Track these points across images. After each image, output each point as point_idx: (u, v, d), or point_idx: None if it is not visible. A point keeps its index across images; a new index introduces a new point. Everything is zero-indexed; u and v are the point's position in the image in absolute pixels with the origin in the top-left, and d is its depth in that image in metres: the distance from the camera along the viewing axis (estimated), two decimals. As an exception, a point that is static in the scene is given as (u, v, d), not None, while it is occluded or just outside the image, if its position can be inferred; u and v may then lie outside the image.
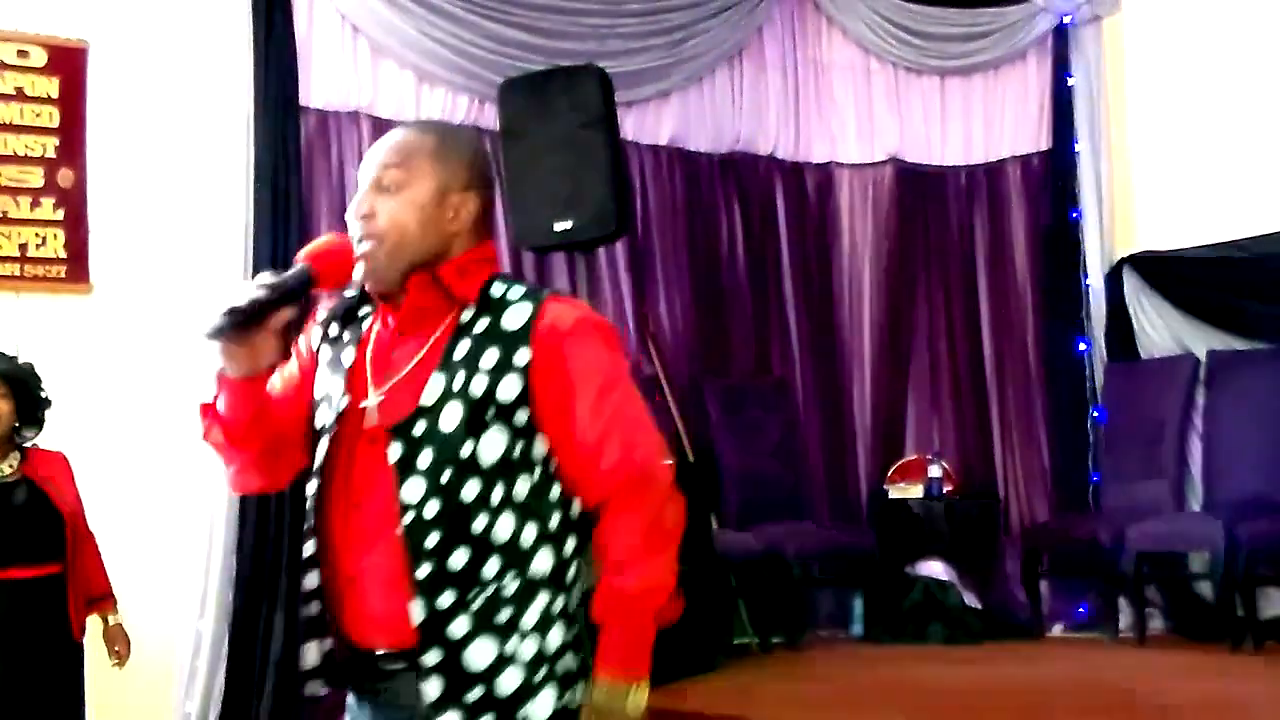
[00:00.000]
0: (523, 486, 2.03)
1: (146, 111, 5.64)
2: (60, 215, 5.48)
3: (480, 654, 1.99)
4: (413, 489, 2.01)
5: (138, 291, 5.50)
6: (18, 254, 5.40)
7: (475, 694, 1.99)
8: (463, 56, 6.47)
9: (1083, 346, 7.32)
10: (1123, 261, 7.16)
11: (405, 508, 2.01)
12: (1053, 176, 7.56)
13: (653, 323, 6.99)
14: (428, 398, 2.04)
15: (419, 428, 2.03)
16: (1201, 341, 6.84)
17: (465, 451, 2.00)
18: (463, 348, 2.06)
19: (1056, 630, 6.85)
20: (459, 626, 1.99)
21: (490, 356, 2.03)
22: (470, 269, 2.11)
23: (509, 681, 1.99)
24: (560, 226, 6.01)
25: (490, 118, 6.45)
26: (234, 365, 2.07)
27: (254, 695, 5.54)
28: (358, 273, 2.10)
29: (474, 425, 2.01)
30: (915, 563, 6.98)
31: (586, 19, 6.87)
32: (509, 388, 2.02)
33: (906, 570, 6.97)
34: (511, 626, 2.00)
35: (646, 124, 7.17)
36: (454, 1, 6.42)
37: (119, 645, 4.30)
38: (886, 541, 7.02)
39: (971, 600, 6.92)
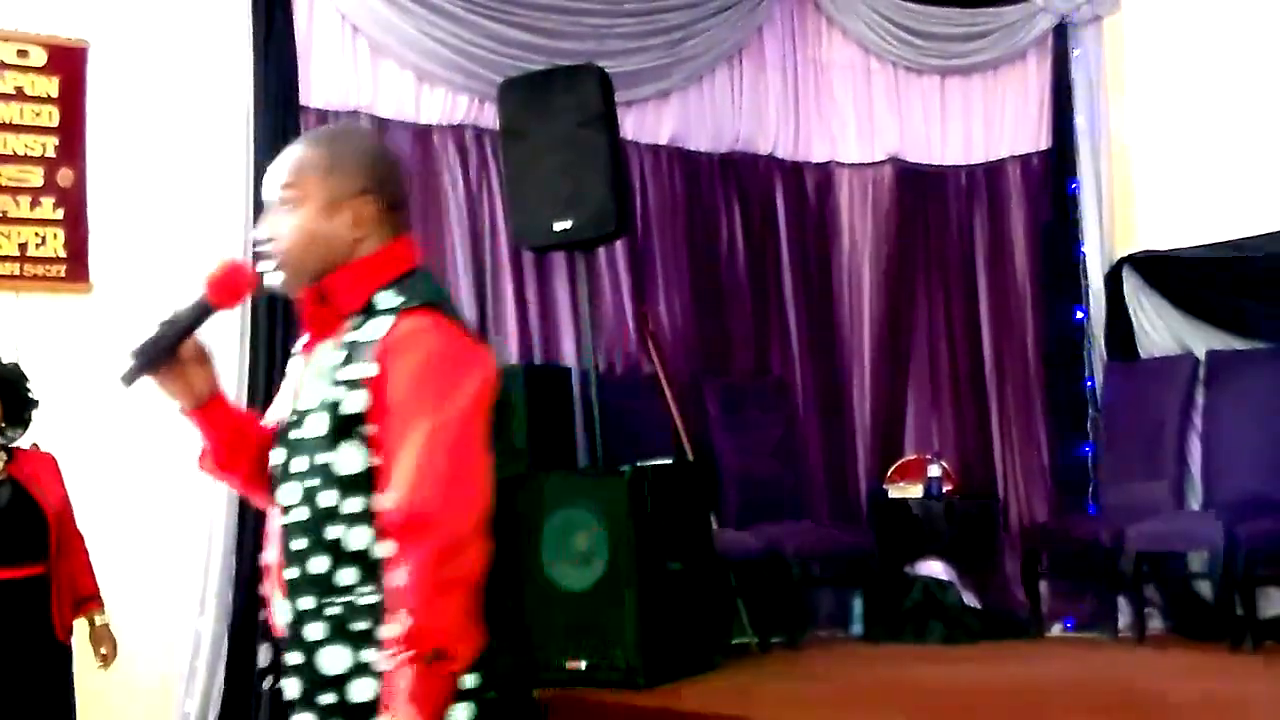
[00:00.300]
0: (380, 500, 2.01)
1: (146, 111, 5.64)
2: (60, 215, 5.48)
3: (333, 660, 2.03)
4: (287, 493, 2.10)
5: (138, 291, 5.49)
6: (17, 253, 5.40)
7: (327, 699, 2.04)
8: (462, 56, 6.47)
9: (1082, 346, 7.32)
10: (1122, 261, 7.15)
11: (283, 511, 2.11)
12: (1052, 176, 7.55)
13: (652, 321, 6.99)
14: (301, 404, 2.12)
15: (295, 434, 2.11)
16: (1201, 341, 6.83)
17: (325, 460, 2.05)
18: (336, 357, 2.10)
19: (1056, 630, 6.85)
20: (314, 630, 2.05)
21: (351, 369, 2.06)
22: (363, 275, 2.14)
23: (361, 691, 2.01)
24: (560, 226, 6.02)
25: (490, 117, 6.47)
26: (176, 400, 2.17)
27: (254, 695, 5.53)
28: (272, 289, 2.18)
29: (335, 436, 2.05)
30: (915, 562, 6.98)
31: (586, 19, 6.87)
32: (355, 401, 2.04)
33: (906, 570, 6.97)
34: (366, 637, 2.00)
35: (646, 123, 7.17)
36: (454, 1, 6.42)
37: (105, 647, 4.29)
38: (886, 541, 7.02)
39: (971, 600, 6.92)
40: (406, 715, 1.88)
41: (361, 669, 2.01)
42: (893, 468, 7.40)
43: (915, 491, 7.15)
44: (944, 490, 7.11)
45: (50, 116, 5.50)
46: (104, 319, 5.43)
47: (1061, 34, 7.52)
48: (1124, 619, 6.49)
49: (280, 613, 2.11)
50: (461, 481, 1.97)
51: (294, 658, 2.08)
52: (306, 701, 2.06)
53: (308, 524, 2.06)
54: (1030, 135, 7.68)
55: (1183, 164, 7.03)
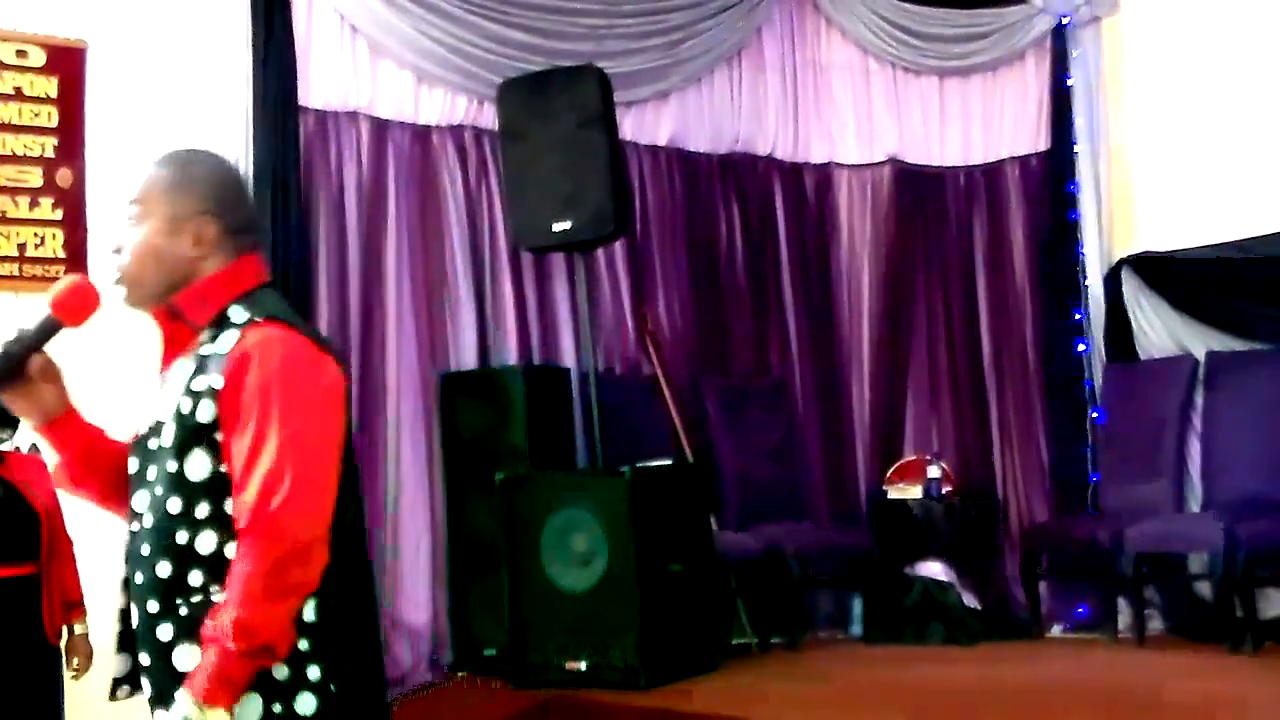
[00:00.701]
0: (229, 505, 2.11)
1: (145, 111, 5.62)
2: (59, 215, 5.48)
3: (183, 658, 2.11)
4: (139, 500, 2.20)
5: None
6: (16, 254, 5.39)
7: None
8: (461, 56, 6.47)
9: (1081, 347, 7.31)
10: (1121, 262, 7.15)
11: (133, 518, 2.21)
12: (1051, 177, 7.55)
13: (651, 322, 6.99)
14: (155, 415, 2.21)
15: (150, 443, 2.20)
16: (1200, 342, 6.83)
17: (174, 468, 2.13)
18: (187, 369, 2.19)
19: (1056, 631, 6.84)
20: (164, 631, 2.14)
21: (200, 379, 2.15)
22: (208, 293, 2.24)
23: None
24: (559, 226, 6.03)
25: (489, 117, 6.47)
26: (24, 415, 2.28)
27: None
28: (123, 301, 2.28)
29: (183, 445, 2.14)
30: (914, 563, 6.98)
31: (585, 19, 6.87)
32: (205, 411, 2.13)
33: (905, 571, 6.96)
34: None
35: (645, 124, 7.18)
36: (452, 1, 6.42)
37: (79, 657, 4.28)
38: (885, 542, 7.02)
39: (971, 601, 6.92)
40: (217, 697, 2.00)
41: None
42: (892, 469, 7.39)
43: (915, 492, 7.15)
44: (943, 491, 7.11)
45: (49, 117, 5.50)
46: (103, 320, 5.41)
47: (1060, 35, 7.52)
48: (1124, 620, 6.48)
49: (132, 617, 2.21)
50: (308, 491, 2.08)
51: (145, 659, 2.17)
52: (159, 700, 2.15)
53: (156, 529, 2.15)
54: (1029, 136, 7.68)
55: (1182, 165, 7.03)
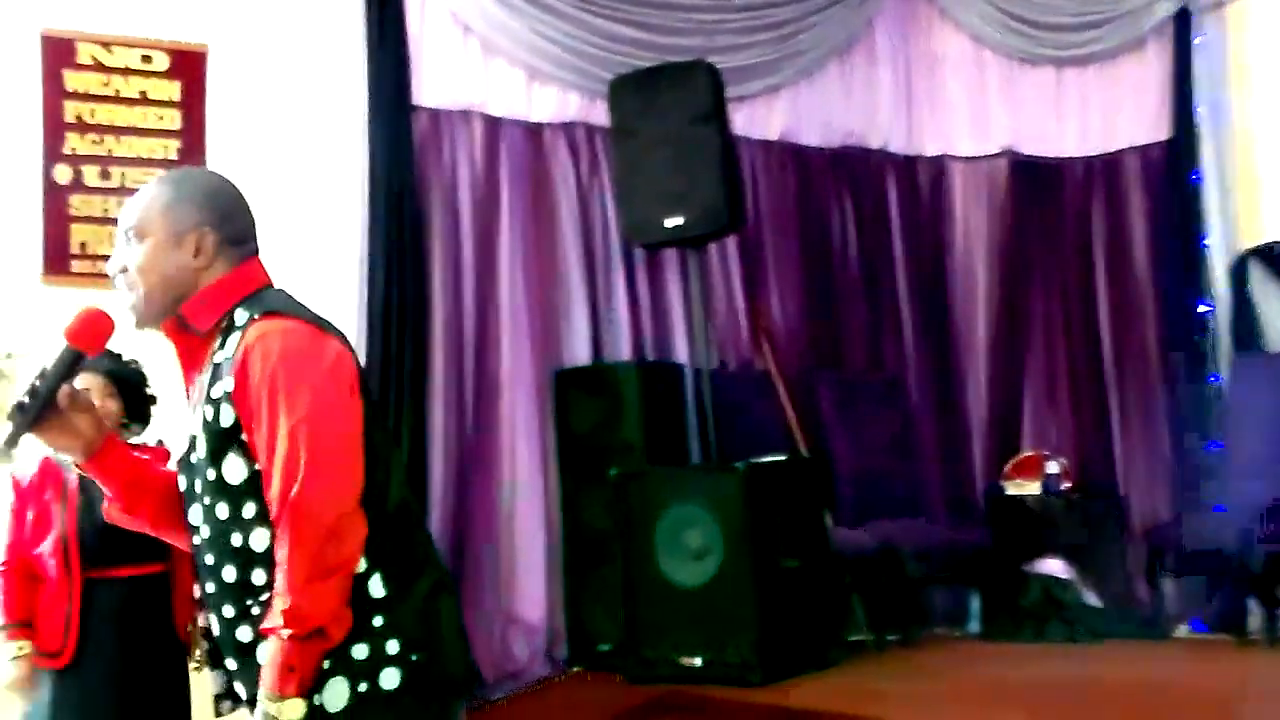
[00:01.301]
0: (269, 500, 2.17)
1: (264, 113, 5.73)
2: (182, 216, 5.58)
3: (265, 655, 2.15)
4: (194, 514, 2.28)
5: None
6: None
7: None
8: (573, 54, 6.49)
9: (1206, 340, 7.14)
10: (1247, 253, 6.97)
11: (192, 531, 2.29)
12: (1173, 167, 7.37)
13: (764, 317, 6.96)
14: (190, 429, 2.27)
15: (191, 458, 2.26)
16: (1330, 333, 6.65)
17: (213, 476, 2.21)
18: (206, 380, 2.26)
19: (1182, 631, 6.67)
20: (243, 633, 2.21)
21: (217, 386, 2.21)
22: (212, 299, 2.30)
23: None
24: (671, 222, 6.03)
25: (601, 114, 6.49)
26: (66, 451, 2.30)
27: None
28: (133, 323, 2.33)
29: (216, 452, 2.20)
30: (1033, 560, 6.87)
31: (696, 14, 6.86)
32: (226, 416, 2.19)
33: (1024, 568, 6.85)
34: None
35: (756, 119, 7.14)
36: (565, -1, 6.45)
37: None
38: (1003, 538, 6.92)
39: (1092, 599, 6.79)
40: (285, 686, 2.07)
41: None
42: (1009, 464, 7.28)
43: (1033, 488, 7.04)
44: (1062, 487, 6.99)
45: (172, 120, 5.62)
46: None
47: (1183, 21, 7.33)
48: (1253, 621, 6.32)
49: (212, 626, 2.28)
50: (325, 471, 2.13)
51: (232, 664, 2.25)
52: (252, 702, 2.19)
53: (214, 537, 2.22)
54: (1150, 125, 7.49)
55: (1310, 153, 6.85)
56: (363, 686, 2.15)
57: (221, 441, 2.19)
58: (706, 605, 5.52)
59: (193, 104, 5.65)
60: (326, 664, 2.14)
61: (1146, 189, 7.50)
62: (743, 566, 5.47)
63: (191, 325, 2.31)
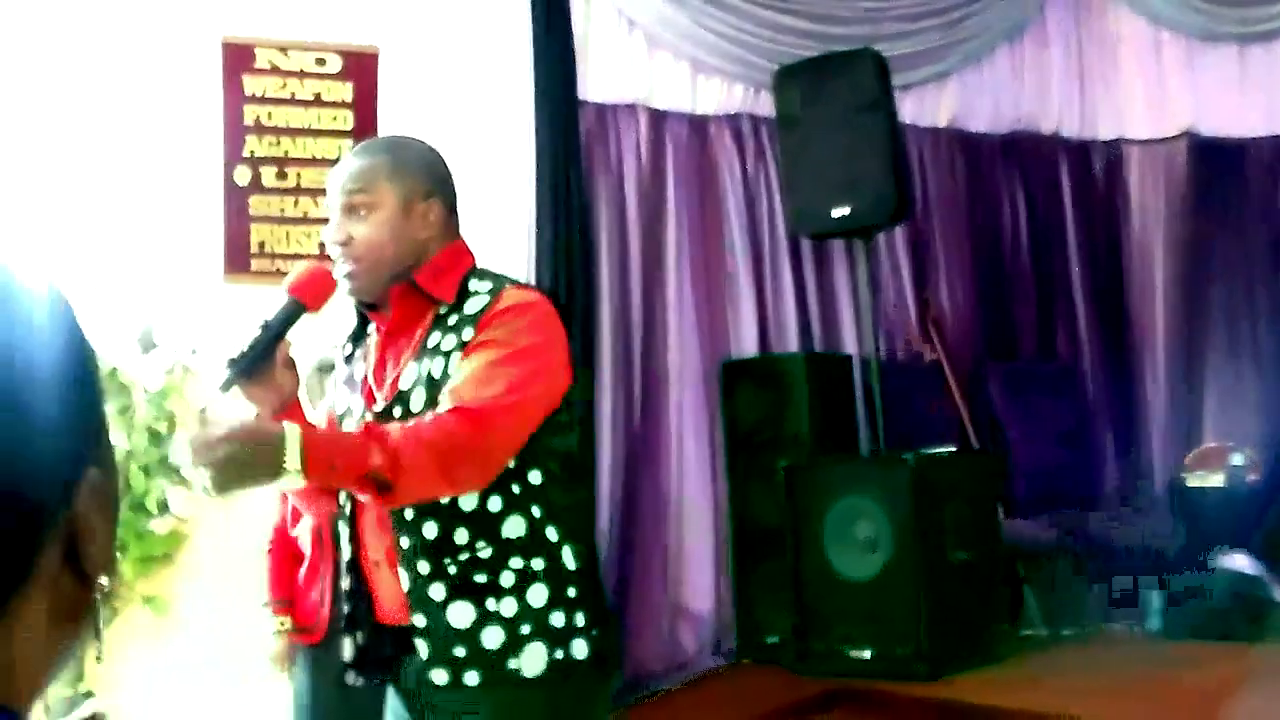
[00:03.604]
0: None
1: (433, 111, 5.83)
2: (357, 215, 5.72)
3: (460, 615, 2.18)
4: None
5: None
6: (317, 252, 5.66)
7: (460, 650, 2.18)
8: (737, 45, 6.48)
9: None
10: None
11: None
12: (1365, 145, 7.09)
13: (934, 307, 6.87)
14: (403, 384, 2.26)
15: (397, 411, 2.24)
16: None
17: None
18: (434, 338, 2.25)
19: (1383, 632, 6.42)
20: (437, 591, 2.19)
21: (449, 340, 2.22)
22: (445, 269, 2.31)
23: (492, 638, 2.17)
24: (838, 212, 5.98)
25: (766, 105, 6.47)
26: (263, 406, 2.27)
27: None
28: (345, 291, 2.32)
29: (433, 404, 2.18)
30: (1217, 555, 6.65)
31: (860, 3, 6.80)
32: (455, 366, 2.19)
33: (1207, 563, 6.65)
34: (489, 588, 2.18)
35: (924, 106, 7.05)
36: (728, -9, 6.45)
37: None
38: (1185, 532, 6.72)
39: (1280, 596, 6.56)
40: (315, 467, 1.99)
41: (487, 618, 2.17)
42: (1191, 455, 7.07)
43: (1216, 480, 6.82)
44: (1248, 479, 6.76)
45: (345, 120, 5.76)
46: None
47: (1373, -8, 7.05)
48: None
49: (402, 582, 2.23)
50: (516, 417, 2.14)
51: (418, 620, 2.21)
52: (439, 659, 2.19)
53: None
54: (1340, 102, 7.23)
55: None
56: (559, 654, 2.18)
57: (441, 394, 2.20)
58: (875, 598, 5.47)
59: (365, 104, 5.78)
60: (525, 629, 2.17)
61: (1337, 169, 7.23)
62: (912, 559, 5.41)
63: (429, 293, 2.30)
